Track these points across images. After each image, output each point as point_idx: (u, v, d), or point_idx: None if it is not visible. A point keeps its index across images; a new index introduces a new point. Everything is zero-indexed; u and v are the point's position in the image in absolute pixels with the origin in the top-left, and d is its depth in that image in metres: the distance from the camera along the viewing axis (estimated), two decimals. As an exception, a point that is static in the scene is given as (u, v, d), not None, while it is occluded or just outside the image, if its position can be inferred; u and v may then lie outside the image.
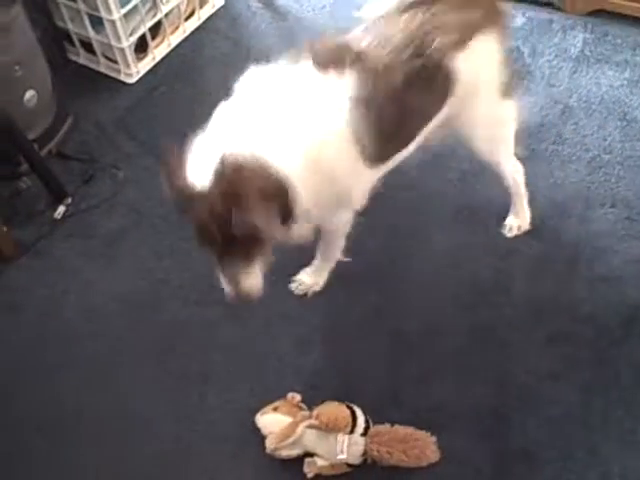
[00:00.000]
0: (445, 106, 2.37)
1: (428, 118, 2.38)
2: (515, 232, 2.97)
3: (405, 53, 2.17)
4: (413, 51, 2.16)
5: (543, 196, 3.06)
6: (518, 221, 2.96)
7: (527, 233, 2.97)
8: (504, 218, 3.00)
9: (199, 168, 1.99)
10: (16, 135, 3.05)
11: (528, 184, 3.05)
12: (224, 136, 2.05)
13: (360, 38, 2.24)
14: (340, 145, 2.15)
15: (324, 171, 2.13)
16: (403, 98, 2.19)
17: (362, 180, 2.35)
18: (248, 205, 1.91)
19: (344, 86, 2.11)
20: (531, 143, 3.26)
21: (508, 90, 2.52)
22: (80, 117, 3.56)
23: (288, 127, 2.06)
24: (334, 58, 2.14)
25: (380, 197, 2.62)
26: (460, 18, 2.26)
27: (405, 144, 2.40)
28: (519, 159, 2.84)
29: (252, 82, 2.16)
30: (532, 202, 3.02)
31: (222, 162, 1.94)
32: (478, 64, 2.32)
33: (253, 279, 2.13)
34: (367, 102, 2.12)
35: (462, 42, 2.26)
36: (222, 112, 2.14)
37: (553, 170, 3.17)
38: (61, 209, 3.21)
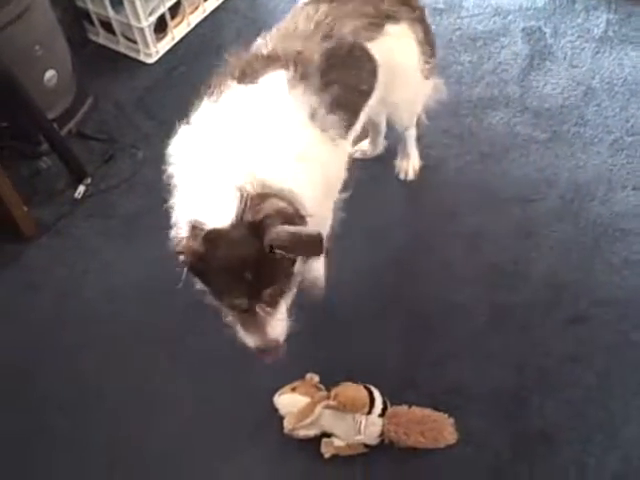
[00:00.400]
0: (376, 86, 2.42)
1: (365, 94, 2.40)
2: (412, 173, 3.09)
3: (314, 38, 2.23)
4: (322, 35, 2.24)
5: (565, 178, 3.04)
6: (409, 162, 3.10)
7: (549, 215, 2.95)
8: (525, 201, 2.99)
9: (212, 211, 1.91)
10: (36, 114, 3.06)
11: (550, 165, 3.04)
12: (211, 171, 2.00)
13: (266, 41, 2.29)
14: (310, 133, 2.13)
15: (313, 163, 2.10)
16: (329, 75, 2.20)
17: (340, 159, 2.32)
18: (277, 227, 1.86)
19: (279, 84, 2.13)
20: (553, 125, 3.23)
21: (428, 73, 2.65)
22: (100, 97, 3.56)
23: (260, 142, 2.03)
24: (249, 68, 2.17)
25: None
26: (367, 9, 2.34)
27: (354, 120, 2.38)
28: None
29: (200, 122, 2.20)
30: (554, 184, 3.00)
31: (240, 194, 1.89)
32: (393, 52, 2.41)
33: (281, 325, 2.04)
34: (306, 88, 2.13)
35: (373, 29, 2.34)
36: (192, 148, 2.13)
37: (575, 152, 3.14)
38: (81, 189, 3.22)
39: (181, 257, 1.92)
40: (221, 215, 1.88)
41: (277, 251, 1.84)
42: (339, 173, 2.33)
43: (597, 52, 3.48)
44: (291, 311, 2.09)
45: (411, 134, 3.03)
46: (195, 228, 1.90)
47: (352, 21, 2.29)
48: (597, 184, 3.01)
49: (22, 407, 2.66)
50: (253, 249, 1.86)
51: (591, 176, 3.05)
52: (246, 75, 2.15)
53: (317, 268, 2.48)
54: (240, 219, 1.86)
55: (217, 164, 1.99)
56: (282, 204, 1.91)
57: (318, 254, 2.02)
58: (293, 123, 2.09)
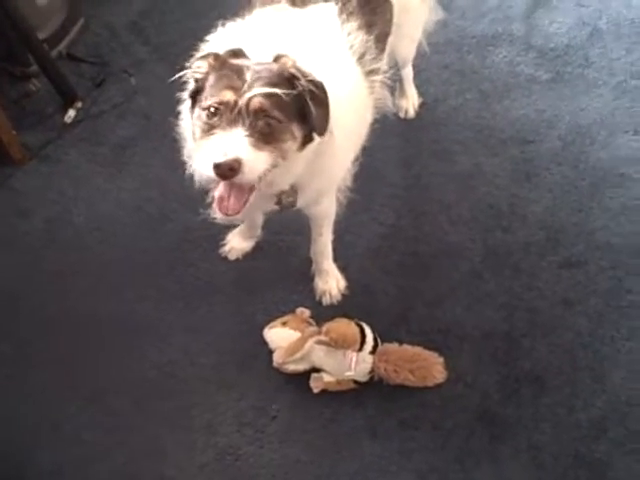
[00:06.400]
0: (392, 27, 2.39)
1: (387, 37, 2.38)
2: (412, 111, 3.06)
3: None
4: None
5: (566, 120, 2.99)
6: (409, 100, 3.06)
7: (548, 157, 2.90)
8: (524, 142, 2.95)
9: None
10: (26, 33, 2.96)
11: (551, 107, 2.99)
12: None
13: None
14: (356, 74, 2.12)
15: (352, 103, 2.08)
16: (366, 16, 2.19)
17: (369, 105, 2.27)
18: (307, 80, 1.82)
19: (331, 15, 2.13)
20: (556, 65, 3.18)
21: None
22: (92, 19, 3.46)
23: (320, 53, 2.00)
24: None
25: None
26: None
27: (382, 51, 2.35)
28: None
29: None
30: (555, 125, 2.95)
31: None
32: None
33: (254, 153, 1.76)
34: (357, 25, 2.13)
35: None
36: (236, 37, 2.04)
37: (577, 94, 3.09)
38: (71, 113, 3.14)
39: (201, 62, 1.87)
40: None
41: (293, 71, 1.81)
42: (367, 118, 2.27)
43: (605, -8, 3.39)
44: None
45: (408, 72, 2.99)
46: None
47: None
48: (598, 127, 2.97)
49: (9, 331, 2.64)
50: (270, 65, 1.83)
51: (593, 119, 3.00)
52: (296, 2, 2.14)
53: (326, 204, 2.37)
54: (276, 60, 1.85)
55: (263, 45, 1.94)
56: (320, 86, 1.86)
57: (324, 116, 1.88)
58: (342, 57, 2.07)
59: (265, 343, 2.47)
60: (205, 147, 1.79)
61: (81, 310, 2.67)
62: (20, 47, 3.07)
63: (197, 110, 1.85)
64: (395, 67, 2.79)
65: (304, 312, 2.50)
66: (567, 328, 2.51)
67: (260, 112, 1.76)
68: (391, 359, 2.36)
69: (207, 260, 2.73)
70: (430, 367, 2.39)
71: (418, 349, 2.41)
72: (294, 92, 1.80)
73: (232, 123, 1.76)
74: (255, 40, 1.97)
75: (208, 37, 2.07)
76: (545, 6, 3.35)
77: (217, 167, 1.73)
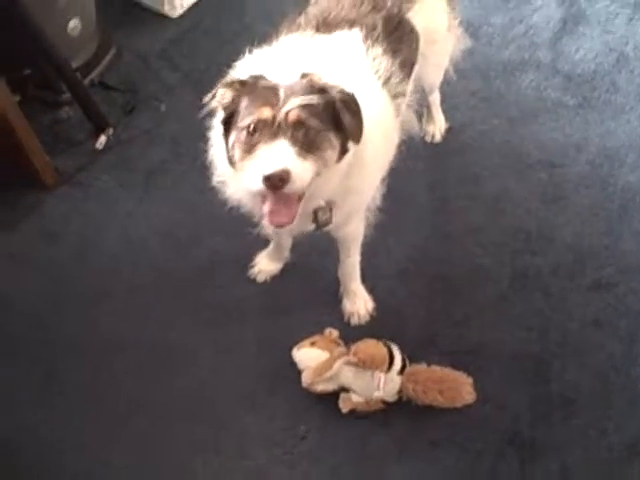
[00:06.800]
0: (418, 57, 2.43)
1: (412, 67, 2.40)
2: (439, 136, 3.07)
3: (363, 9, 2.24)
4: (372, 6, 2.25)
5: (594, 144, 2.99)
6: (436, 125, 3.08)
7: (576, 180, 2.90)
8: (552, 165, 2.95)
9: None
10: (59, 62, 3.03)
11: (579, 131, 2.99)
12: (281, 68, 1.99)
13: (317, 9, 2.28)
14: (382, 98, 2.16)
15: (380, 127, 2.11)
16: (391, 43, 2.23)
17: (396, 127, 2.31)
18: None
19: (356, 42, 2.17)
20: (583, 91, 3.18)
21: (451, 27, 2.65)
22: (123, 48, 3.52)
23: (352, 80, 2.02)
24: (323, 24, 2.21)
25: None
26: None
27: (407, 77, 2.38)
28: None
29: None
30: (583, 149, 2.96)
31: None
32: (429, 20, 2.43)
33: (301, 163, 1.79)
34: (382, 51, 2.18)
35: None
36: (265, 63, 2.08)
37: (605, 119, 3.09)
38: (102, 139, 3.19)
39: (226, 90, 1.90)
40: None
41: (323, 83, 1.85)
42: (394, 140, 2.30)
43: (632, 18, 3.41)
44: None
45: (435, 97, 3.01)
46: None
47: None
48: (627, 150, 2.97)
49: (39, 356, 2.65)
50: (301, 82, 1.86)
51: (621, 142, 3.00)
52: (320, 29, 2.18)
53: (355, 224, 2.39)
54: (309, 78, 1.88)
55: (290, 71, 1.95)
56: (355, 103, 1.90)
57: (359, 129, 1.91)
58: (368, 81, 2.11)
59: (294, 363, 2.47)
60: (250, 164, 1.83)
61: (110, 334, 2.68)
62: (53, 76, 3.14)
63: (234, 133, 1.88)
64: (422, 92, 2.81)
65: (332, 332, 2.50)
66: (598, 350, 2.49)
67: (299, 123, 1.80)
68: (420, 379, 2.35)
69: (236, 283, 2.74)
70: (459, 388, 2.38)
71: (447, 370, 2.40)
72: (327, 100, 1.84)
73: (274, 136, 1.79)
74: (282, 66, 2.00)
75: (236, 64, 2.11)
76: (571, 33, 3.37)
77: (267, 179, 1.77)
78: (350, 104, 1.87)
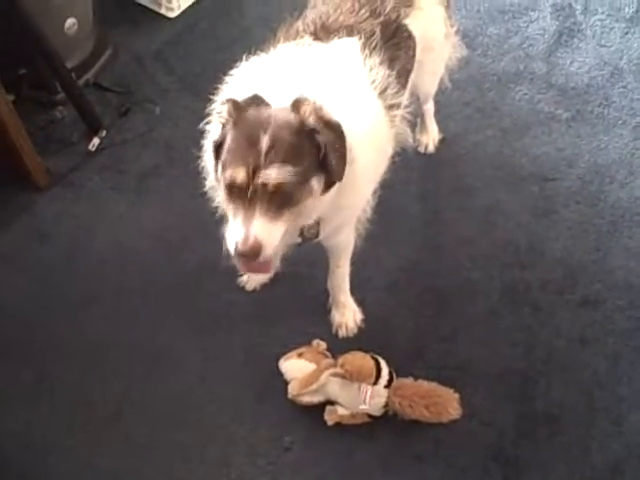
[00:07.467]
0: (414, 64, 2.42)
1: (409, 74, 2.40)
2: (432, 146, 3.07)
3: (361, 15, 2.22)
4: (370, 12, 2.23)
5: (586, 159, 3.00)
6: (429, 135, 3.07)
7: (567, 195, 2.91)
8: (544, 179, 2.95)
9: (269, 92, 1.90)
10: (55, 62, 3.02)
11: (571, 145, 3.00)
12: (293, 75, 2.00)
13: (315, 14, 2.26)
14: (377, 108, 2.13)
15: (373, 138, 2.09)
16: (389, 50, 2.23)
17: (390, 139, 2.28)
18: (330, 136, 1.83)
19: (353, 50, 2.15)
20: (576, 104, 3.19)
21: (448, 34, 2.65)
22: (119, 49, 3.51)
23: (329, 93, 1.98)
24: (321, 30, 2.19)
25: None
26: None
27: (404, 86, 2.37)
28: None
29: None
30: (574, 164, 2.96)
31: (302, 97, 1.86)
32: (426, 26, 2.42)
33: (273, 232, 1.82)
34: (379, 60, 2.16)
35: (407, 3, 2.32)
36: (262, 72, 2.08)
37: (597, 133, 3.09)
38: (95, 141, 3.18)
39: (221, 111, 1.87)
40: (277, 97, 1.87)
41: (313, 122, 1.79)
42: (387, 152, 2.28)
43: (627, 32, 3.41)
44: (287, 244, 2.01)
45: (430, 107, 3.01)
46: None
47: None
48: (618, 167, 2.97)
49: (26, 358, 2.66)
50: (289, 120, 1.81)
51: (612, 159, 3.00)
52: (319, 35, 2.17)
53: (345, 235, 2.37)
54: (296, 107, 1.83)
55: (283, 84, 1.95)
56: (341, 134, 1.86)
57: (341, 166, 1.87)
58: (364, 92, 2.09)
59: (281, 374, 2.47)
60: (229, 218, 1.87)
61: (98, 337, 2.68)
62: (48, 75, 3.13)
63: (220, 168, 1.86)
64: (416, 102, 2.81)
65: (320, 344, 2.50)
66: (584, 367, 2.50)
67: (277, 189, 1.78)
68: (406, 394, 2.36)
69: (225, 290, 2.74)
70: (445, 403, 2.38)
71: (433, 385, 2.40)
72: (313, 149, 1.82)
73: (248, 206, 1.79)
74: (278, 77, 2.00)
75: (232, 72, 2.10)
76: (566, 45, 3.38)
77: (240, 253, 1.81)
78: (338, 147, 1.83)
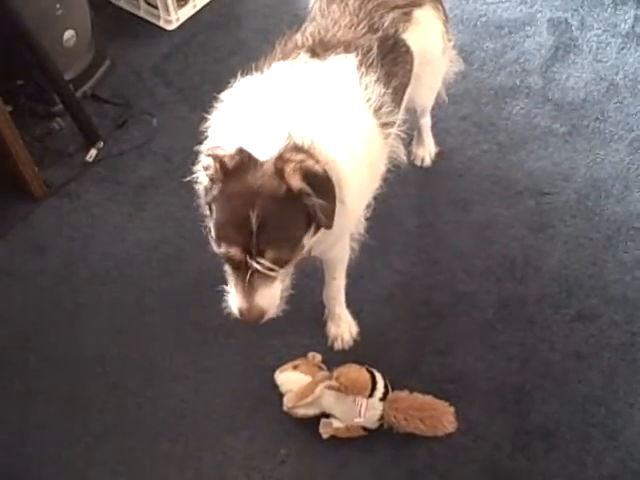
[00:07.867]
0: (412, 78, 2.43)
1: (405, 88, 2.41)
2: (428, 160, 3.08)
3: (360, 29, 2.23)
4: (368, 27, 2.24)
5: (582, 174, 3.01)
6: (426, 149, 3.08)
7: (563, 210, 2.91)
8: (540, 193, 2.96)
9: (256, 142, 1.83)
10: (53, 73, 3.03)
11: (567, 159, 3.01)
12: (277, 113, 1.94)
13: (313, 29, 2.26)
14: (371, 125, 2.13)
15: (365, 154, 2.07)
16: (386, 66, 2.23)
17: (384, 155, 2.30)
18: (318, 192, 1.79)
19: (350, 68, 2.13)
20: (573, 119, 3.19)
21: (446, 49, 2.66)
22: (117, 61, 3.53)
23: (323, 114, 1.98)
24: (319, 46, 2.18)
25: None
26: None
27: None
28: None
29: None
30: (570, 178, 2.97)
31: (289, 142, 1.82)
32: (424, 40, 2.43)
33: (271, 297, 1.93)
34: (375, 78, 2.16)
35: (405, 19, 2.33)
36: (253, 95, 2.04)
37: (593, 148, 3.10)
38: (93, 152, 3.20)
39: (208, 166, 1.80)
40: (262, 148, 1.81)
41: (299, 185, 1.75)
42: (380, 170, 2.29)
43: (623, 48, 3.43)
44: (285, 291, 2.03)
45: (426, 121, 3.01)
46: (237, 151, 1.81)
47: (388, 13, 2.28)
48: (614, 181, 2.98)
49: (20, 369, 2.65)
50: (275, 190, 1.76)
51: (608, 173, 3.01)
52: (316, 51, 2.16)
53: (339, 248, 2.36)
54: (281, 160, 1.78)
55: (275, 111, 1.93)
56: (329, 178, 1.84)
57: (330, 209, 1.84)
58: (358, 112, 2.09)
59: (276, 386, 2.47)
60: (229, 288, 1.98)
61: (93, 349, 2.68)
62: (46, 87, 3.14)
63: (213, 234, 1.88)
64: (413, 115, 2.82)
65: (315, 356, 2.50)
66: (579, 382, 2.49)
67: (273, 263, 1.82)
68: (401, 407, 2.35)
69: (220, 302, 2.71)
70: (440, 417, 2.38)
71: (429, 398, 2.40)
72: (303, 211, 1.81)
73: (247, 275, 1.85)
74: (270, 103, 1.97)
75: (224, 94, 2.06)
76: (562, 60, 3.39)
77: (245, 321, 1.96)
78: (326, 203, 1.80)
